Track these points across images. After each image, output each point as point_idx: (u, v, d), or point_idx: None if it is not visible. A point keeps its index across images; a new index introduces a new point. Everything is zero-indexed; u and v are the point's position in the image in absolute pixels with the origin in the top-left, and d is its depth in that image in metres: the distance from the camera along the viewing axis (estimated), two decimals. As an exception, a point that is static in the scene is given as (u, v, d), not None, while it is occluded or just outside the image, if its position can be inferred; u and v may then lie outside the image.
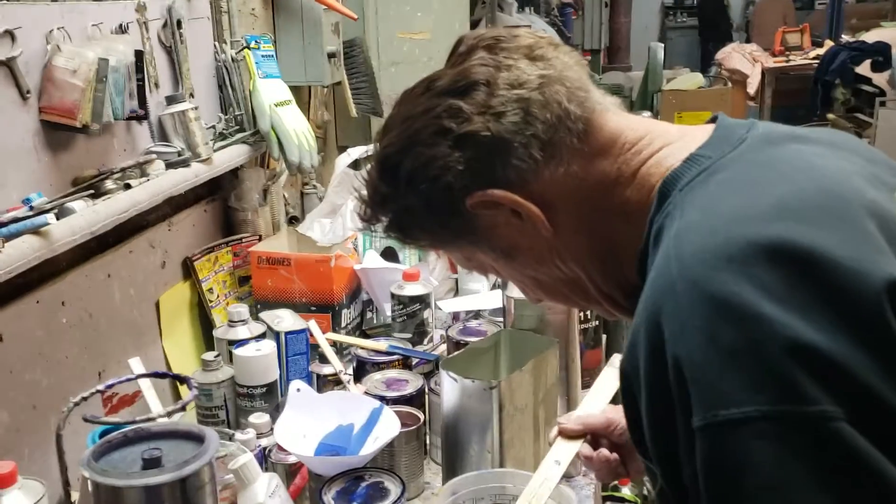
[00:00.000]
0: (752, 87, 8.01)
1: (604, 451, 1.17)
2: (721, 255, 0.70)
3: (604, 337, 1.98)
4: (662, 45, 7.15)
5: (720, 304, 0.68)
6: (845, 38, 8.16)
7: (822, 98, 7.25)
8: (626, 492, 2.23)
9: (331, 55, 2.42)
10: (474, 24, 3.97)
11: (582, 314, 1.80)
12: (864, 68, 7.05)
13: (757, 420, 0.65)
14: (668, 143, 0.88)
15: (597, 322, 1.86)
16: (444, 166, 0.87)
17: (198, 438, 1.05)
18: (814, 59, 7.77)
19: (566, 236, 0.90)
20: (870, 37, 7.59)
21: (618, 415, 1.16)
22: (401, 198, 0.91)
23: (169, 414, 1.19)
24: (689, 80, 7.40)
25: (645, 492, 2.24)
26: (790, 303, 0.67)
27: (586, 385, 1.85)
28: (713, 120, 0.90)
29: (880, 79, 7.02)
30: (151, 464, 1.00)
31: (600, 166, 0.88)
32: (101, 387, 1.17)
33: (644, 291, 0.76)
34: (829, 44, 8.02)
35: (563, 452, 1.17)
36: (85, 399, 1.13)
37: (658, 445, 0.75)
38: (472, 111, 0.86)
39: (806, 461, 0.64)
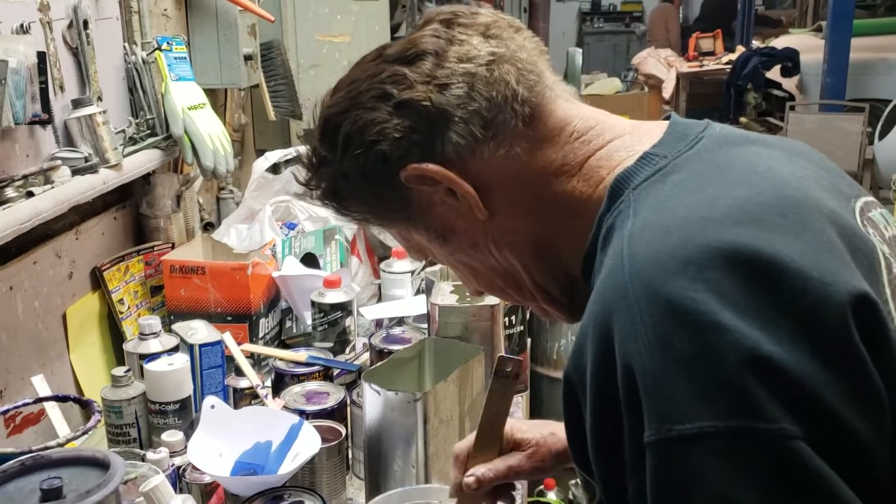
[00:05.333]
0: (668, 91, 8.21)
1: None
2: (677, 258, 0.67)
3: (528, 342, 1.98)
4: (580, 50, 7.26)
5: (675, 310, 0.65)
6: (756, 44, 8.44)
7: (735, 102, 7.49)
8: (552, 496, 2.24)
9: (247, 57, 2.36)
10: (395, 28, 3.95)
11: (506, 319, 1.79)
12: (774, 73, 7.30)
13: (711, 436, 0.62)
14: (619, 135, 0.86)
15: (521, 328, 1.86)
16: (381, 132, 0.84)
17: (102, 465, 1.00)
18: (726, 64, 8.01)
19: (502, 222, 0.87)
20: (779, 43, 7.87)
21: (518, 459, 1.11)
22: (337, 162, 0.88)
23: (68, 441, 1.12)
24: (607, 84, 7.54)
25: (570, 496, 2.25)
26: (749, 312, 0.64)
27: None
28: (667, 118, 0.88)
29: (790, 84, 7.29)
30: (51, 494, 0.94)
31: (545, 152, 0.86)
32: (-3, 410, 1.09)
33: (593, 293, 0.73)
34: (740, 49, 8.28)
35: None
36: (-21, 425, 1.05)
37: (601, 457, 0.72)
38: (416, 79, 0.84)
39: (760, 481, 0.62)
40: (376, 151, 0.85)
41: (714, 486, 0.62)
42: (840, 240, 0.70)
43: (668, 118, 0.88)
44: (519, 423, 1.18)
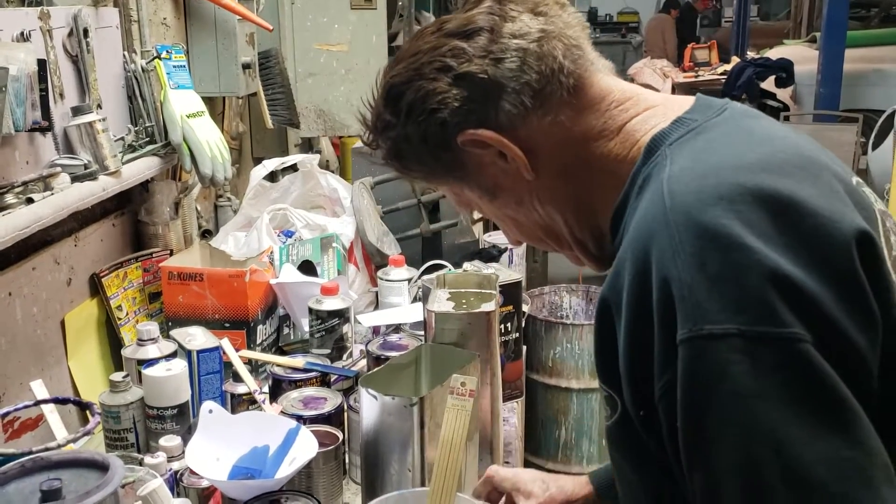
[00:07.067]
0: (664, 101, 8.23)
1: None
2: (712, 193, 0.78)
3: (524, 349, 1.99)
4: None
5: (710, 234, 0.76)
6: (750, 54, 8.47)
7: (730, 112, 7.50)
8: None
9: (246, 66, 2.37)
10: (392, 37, 3.97)
11: (502, 326, 1.80)
12: (768, 84, 7.33)
13: (736, 336, 0.73)
14: (653, 105, 0.96)
15: (517, 335, 1.87)
16: (442, 101, 0.94)
17: (101, 467, 1.00)
18: (721, 74, 8.04)
19: (546, 181, 0.97)
20: (773, 54, 7.90)
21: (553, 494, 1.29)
22: (400, 126, 0.98)
23: (68, 443, 1.13)
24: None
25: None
26: (771, 239, 0.75)
27: (508, 398, 1.85)
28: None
29: (784, 94, 7.32)
30: (51, 496, 0.94)
31: (587, 119, 0.95)
32: (-3, 413, 1.10)
33: (633, 225, 0.84)
34: (735, 60, 8.31)
35: None
36: (-21, 428, 1.06)
37: (631, 363, 0.82)
38: (474, 53, 0.93)
39: (775, 375, 0.72)
40: (437, 118, 0.95)
41: (737, 379, 0.73)
42: (844, 192, 0.83)
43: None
44: (521, 473, 1.35)
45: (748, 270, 0.74)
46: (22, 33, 1.58)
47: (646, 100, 0.97)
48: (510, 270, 2.08)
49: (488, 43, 0.93)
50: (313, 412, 1.54)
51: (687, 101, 0.95)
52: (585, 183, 0.97)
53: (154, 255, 2.06)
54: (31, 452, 1.03)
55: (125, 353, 1.69)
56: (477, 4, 0.96)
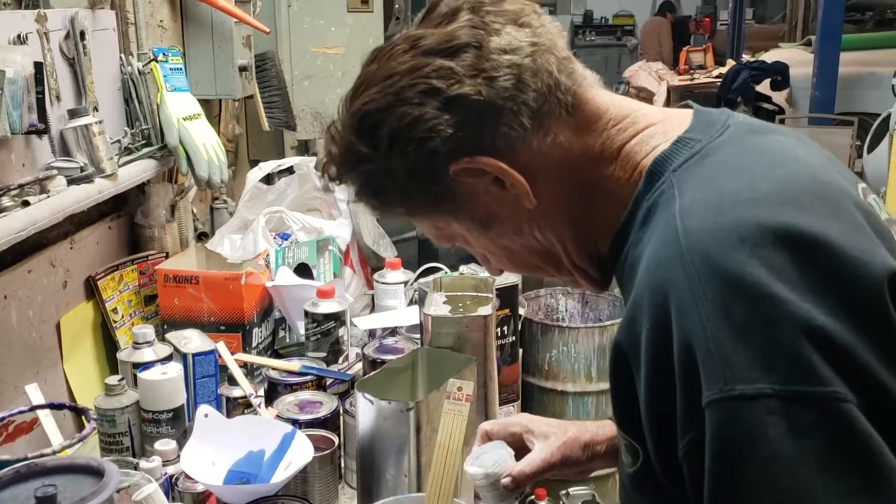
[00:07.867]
0: (659, 104, 8.24)
1: None
2: (732, 235, 0.71)
3: (520, 352, 1.99)
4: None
5: (734, 282, 0.69)
6: (746, 57, 8.49)
7: (726, 115, 7.51)
8: (542, 506, 2.23)
9: (242, 68, 2.37)
10: (389, 40, 3.97)
11: (498, 330, 1.80)
12: (764, 87, 7.34)
13: (770, 397, 0.67)
14: (652, 123, 0.89)
15: (513, 338, 1.87)
16: (432, 129, 0.84)
17: (97, 472, 1.00)
18: (716, 77, 8.05)
19: (546, 207, 0.90)
20: (769, 57, 7.92)
21: (549, 451, 1.18)
22: (380, 159, 0.87)
23: (63, 449, 1.12)
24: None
25: (560, 505, 2.25)
26: (800, 286, 0.68)
27: (505, 402, 1.85)
28: (684, 106, 0.92)
29: (779, 97, 7.32)
30: (45, 502, 0.94)
31: (585, 140, 0.88)
32: (-8, 419, 1.10)
33: (646, 266, 0.77)
34: (731, 63, 8.33)
35: None
36: (-26, 433, 1.06)
37: (653, 419, 0.76)
38: (464, 73, 0.83)
39: (815, 438, 0.66)
40: (426, 147, 0.85)
41: (774, 444, 0.66)
42: (865, 221, 0.76)
43: (685, 106, 0.92)
44: (535, 418, 1.25)
45: (779, 322, 0.67)
46: (18, 36, 1.58)
47: (644, 116, 0.90)
48: (506, 273, 2.08)
49: (476, 60, 0.83)
50: (309, 416, 1.54)
51: (687, 117, 0.89)
52: (585, 207, 0.90)
53: (150, 258, 2.06)
54: (25, 458, 1.03)
55: (120, 356, 1.69)
56: (452, 19, 0.86)
